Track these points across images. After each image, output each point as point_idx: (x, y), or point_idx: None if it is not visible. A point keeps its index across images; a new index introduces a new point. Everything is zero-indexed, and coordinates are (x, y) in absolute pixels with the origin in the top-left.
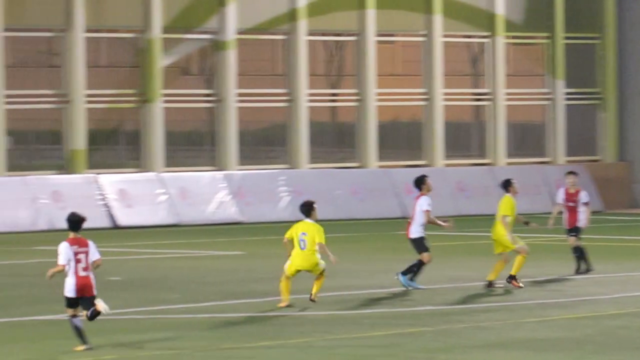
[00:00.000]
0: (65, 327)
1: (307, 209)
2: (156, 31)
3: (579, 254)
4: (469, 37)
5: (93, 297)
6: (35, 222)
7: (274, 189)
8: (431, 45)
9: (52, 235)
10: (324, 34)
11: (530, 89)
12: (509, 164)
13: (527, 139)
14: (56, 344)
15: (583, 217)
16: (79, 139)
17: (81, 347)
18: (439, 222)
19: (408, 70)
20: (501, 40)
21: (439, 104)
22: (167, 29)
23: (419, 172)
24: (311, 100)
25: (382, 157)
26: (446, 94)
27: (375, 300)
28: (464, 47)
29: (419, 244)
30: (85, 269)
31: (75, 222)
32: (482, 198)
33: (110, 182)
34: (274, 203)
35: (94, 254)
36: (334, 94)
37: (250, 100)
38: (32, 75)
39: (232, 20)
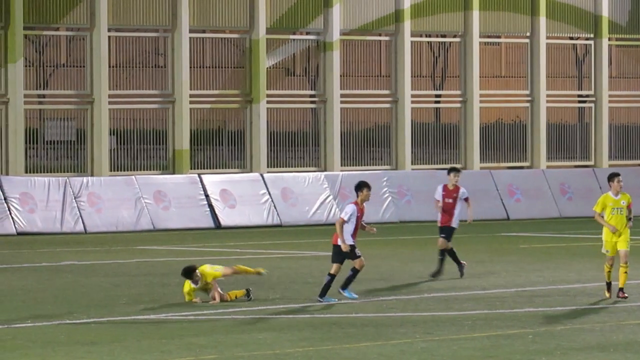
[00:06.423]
0: (166, 327)
1: None
2: (261, 32)
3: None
4: (573, 39)
5: None
6: (138, 222)
7: (376, 190)
8: (535, 46)
9: (154, 235)
10: (428, 35)
11: (634, 91)
12: (612, 165)
13: (630, 140)
14: (158, 343)
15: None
16: (182, 139)
17: None
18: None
19: (512, 71)
20: (605, 42)
21: (542, 105)
22: (271, 30)
23: (522, 173)
24: (415, 102)
25: (484, 158)
26: (550, 95)
27: (476, 301)
28: (568, 49)
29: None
30: None
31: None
32: (584, 200)
33: (213, 182)
34: (376, 204)
35: None
36: (437, 95)
37: (354, 102)
38: (137, 76)
39: (337, 21)
